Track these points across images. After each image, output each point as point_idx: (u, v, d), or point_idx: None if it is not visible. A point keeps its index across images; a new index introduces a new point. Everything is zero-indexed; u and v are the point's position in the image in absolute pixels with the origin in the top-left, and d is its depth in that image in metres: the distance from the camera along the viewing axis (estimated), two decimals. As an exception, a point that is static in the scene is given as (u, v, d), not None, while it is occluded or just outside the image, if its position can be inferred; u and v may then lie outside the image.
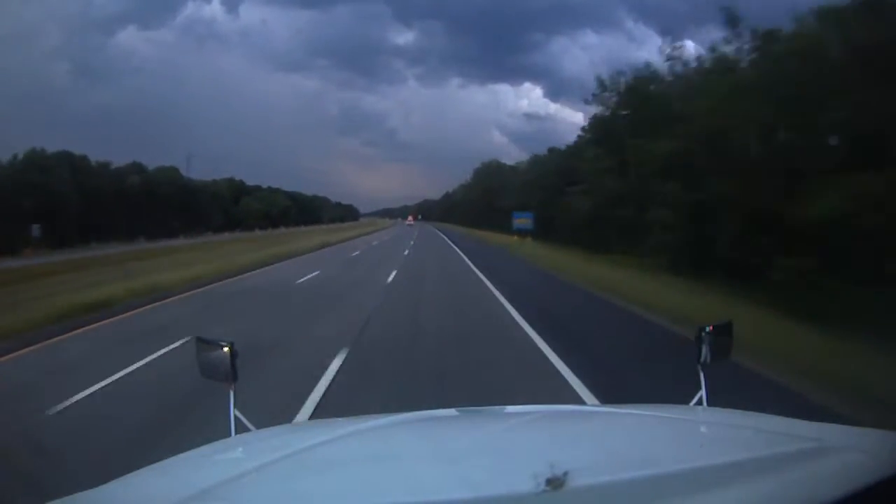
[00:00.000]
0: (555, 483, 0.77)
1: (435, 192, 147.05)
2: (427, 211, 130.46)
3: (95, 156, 43.20)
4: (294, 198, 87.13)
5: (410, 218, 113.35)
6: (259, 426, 1.47)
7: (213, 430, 1.49)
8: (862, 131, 9.98)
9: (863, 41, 9.87)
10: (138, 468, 1.09)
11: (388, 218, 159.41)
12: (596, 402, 4.29)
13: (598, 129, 23.20)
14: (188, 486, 0.92)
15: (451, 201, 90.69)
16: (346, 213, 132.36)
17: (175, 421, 4.04)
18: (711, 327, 1.50)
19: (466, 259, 20.10)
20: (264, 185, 78.76)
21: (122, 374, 5.40)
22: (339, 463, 1.07)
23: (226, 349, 1.44)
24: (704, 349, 1.48)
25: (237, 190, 69.42)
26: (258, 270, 16.54)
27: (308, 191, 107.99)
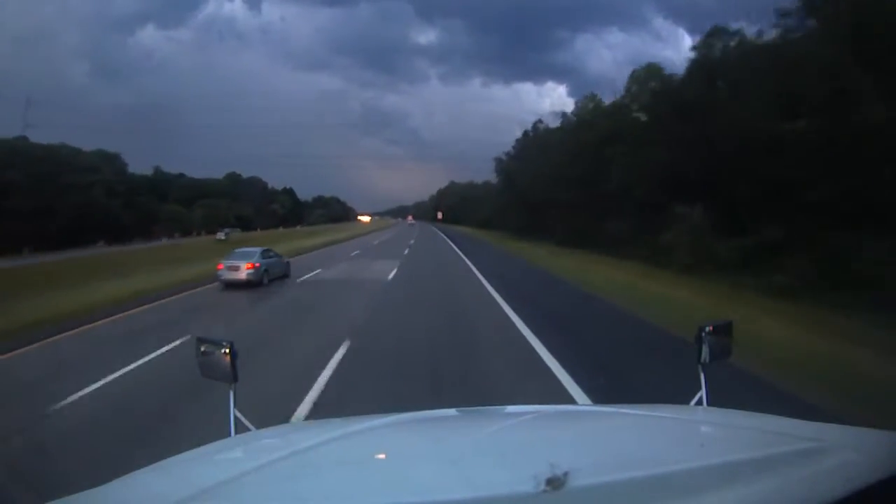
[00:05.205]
0: (555, 483, 0.78)
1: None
2: (449, 209, 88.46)
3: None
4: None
5: (410, 217, 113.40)
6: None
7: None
8: None
9: None
10: None
11: (389, 217, 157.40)
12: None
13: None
14: (188, 485, 0.92)
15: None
16: (296, 213, 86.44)
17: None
18: (711, 327, 1.47)
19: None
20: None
21: None
22: (338, 463, 1.07)
23: (226, 349, 1.44)
24: (704, 349, 1.45)
25: None
26: None
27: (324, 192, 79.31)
